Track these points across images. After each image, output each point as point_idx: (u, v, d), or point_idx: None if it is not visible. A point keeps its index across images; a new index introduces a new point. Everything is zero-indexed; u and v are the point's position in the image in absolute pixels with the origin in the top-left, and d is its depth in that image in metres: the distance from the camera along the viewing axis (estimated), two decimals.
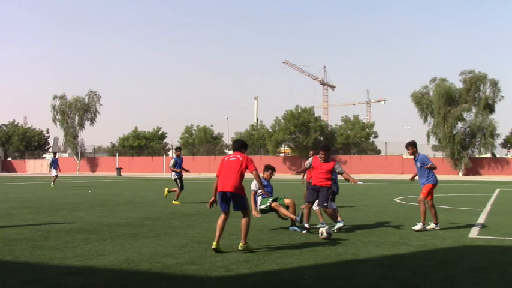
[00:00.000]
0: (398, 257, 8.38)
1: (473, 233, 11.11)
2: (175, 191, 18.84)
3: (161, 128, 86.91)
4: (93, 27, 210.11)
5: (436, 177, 11.66)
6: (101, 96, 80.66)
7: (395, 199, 20.78)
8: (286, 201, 11.42)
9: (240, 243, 8.76)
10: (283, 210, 11.03)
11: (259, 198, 11.39)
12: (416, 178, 12.14)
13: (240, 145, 9.18)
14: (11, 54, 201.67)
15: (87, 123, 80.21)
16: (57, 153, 45.82)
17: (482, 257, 8.52)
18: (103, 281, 6.64)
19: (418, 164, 11.63)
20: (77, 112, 79.02)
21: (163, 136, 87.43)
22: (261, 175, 10.61)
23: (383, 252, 8.80)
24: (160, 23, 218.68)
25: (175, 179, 18.98)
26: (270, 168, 11.79)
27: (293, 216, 10.90)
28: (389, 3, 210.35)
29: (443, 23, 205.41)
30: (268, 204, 11.16)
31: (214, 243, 8.57)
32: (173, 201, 18.47)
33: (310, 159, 11.53)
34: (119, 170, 64.65)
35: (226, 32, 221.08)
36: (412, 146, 11.73)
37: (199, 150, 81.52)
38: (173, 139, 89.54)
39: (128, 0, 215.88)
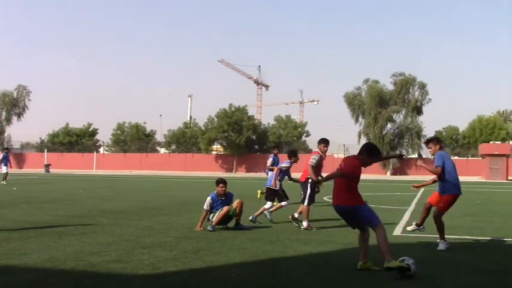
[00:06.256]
0: (325, 255, 8.56)
1: (397, 231, 11.48)
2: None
3: (92, 124, 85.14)
4: (22, 19, 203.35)
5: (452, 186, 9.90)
6: (31, 91, 78.25)
7: (325, 198, 21.11)
8: (234, 205, 11.36)
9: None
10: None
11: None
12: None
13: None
14: None
15: (14, 119, 77.78)
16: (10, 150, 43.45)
17: (404, 254, 8.78)
18: (24, 280, 6.47)
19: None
20: (4, 107, 76.44)
21: (94, 133, 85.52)
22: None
23: (310, 250, 8.95)
24: (92, 16, 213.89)
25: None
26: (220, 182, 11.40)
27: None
28: (324, 4, 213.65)
29: (377, 25, 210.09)
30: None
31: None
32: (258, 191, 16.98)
33: (316, 157, 11.87)
34: (47, 166, 62.90)
35: (161, 28, 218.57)
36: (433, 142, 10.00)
37: (130, 148, 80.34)
38: (104, 136, 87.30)
39: None
